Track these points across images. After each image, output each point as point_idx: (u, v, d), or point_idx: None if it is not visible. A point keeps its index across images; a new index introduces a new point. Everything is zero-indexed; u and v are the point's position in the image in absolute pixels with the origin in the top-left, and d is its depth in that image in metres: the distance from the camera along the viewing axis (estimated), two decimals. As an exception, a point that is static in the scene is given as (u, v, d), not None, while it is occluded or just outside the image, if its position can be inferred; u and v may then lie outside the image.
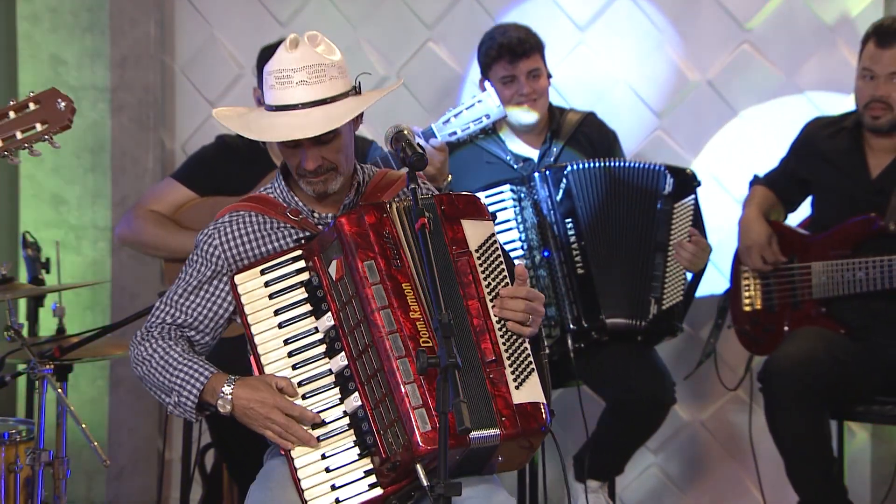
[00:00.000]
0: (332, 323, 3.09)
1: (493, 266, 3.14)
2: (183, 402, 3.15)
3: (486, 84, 4.47)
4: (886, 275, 4.46)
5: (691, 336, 5.28)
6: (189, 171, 4.74)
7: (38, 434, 3.70)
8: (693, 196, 4.62)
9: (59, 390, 3.71)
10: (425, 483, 2.85)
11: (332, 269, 3.08)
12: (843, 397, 4.53)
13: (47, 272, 4.52)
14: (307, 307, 3.13)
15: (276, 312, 3.14)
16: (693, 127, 5.32)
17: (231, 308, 3.24)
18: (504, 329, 3.09)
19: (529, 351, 3.11)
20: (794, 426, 4.44)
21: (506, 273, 3.15)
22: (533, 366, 3.10)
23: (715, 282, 5.18)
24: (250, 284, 3.16)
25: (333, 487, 3.03)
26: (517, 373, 3.07)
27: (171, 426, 5.18)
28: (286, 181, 3.28)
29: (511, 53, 4.64)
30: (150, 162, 5.37)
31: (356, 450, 3.04)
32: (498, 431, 2.99)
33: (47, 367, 3.71)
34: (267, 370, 3.12)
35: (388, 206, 3.12)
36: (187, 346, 3.24)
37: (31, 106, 3.13)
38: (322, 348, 3.10)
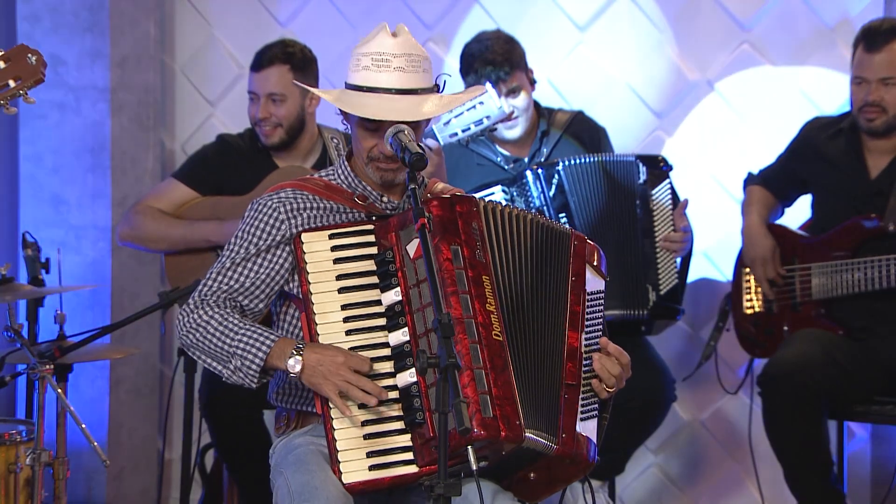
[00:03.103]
0: (399, 298, 3.08)
1: (594, 317, 3.21)
2: (246, 367, 3.12)
3: (487, 85, 4.48)
4: (885, 275, 4.46)
5: (691, 336, 5.29)
6: (190, 170, 4.74)
7: (39, 434, 3.70)
8: (668, 180, 4.65)
9: (59, 390, 3.71)
10: (475, 466, 2.80)
11: (412, 247, 3.09)
12: (842, 399, 4.52)
13: (47, 272, 4.51)
14: (373, 279, 3.12)
15: (339, 278, 3.13)
16: (693, 127, 5.32)
17: (287, 275, 3.22)
18: (589, 368, 3.15)
19: (597, 401, 3.18)
20: (792, 432, 4.44)
21: (601, 329, 3.22)
22: (596, 412, 3.17)
23: (717, 283, 5.19)
24: (317, 245, 3.15)
25: (368, 455, 3.03)
26: (584, 408, 3.13)
27: (171, 426, 5.18)
28: (350, 167, 3.28)
29: (488, 79, 4.64)
30: (150, 162, 5.37)
31: (400, 423, 3.04)
32: (554, 445, 3.04)
33: (47, 367, 3.70)
34: (320, 330, 3.11)
35: (478, 201, 3.16)
36: (241, 314, 3.22)
37: (2, 64, 3.12)
38: (382, 321, 3.10)
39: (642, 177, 4.63)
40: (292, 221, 3.20)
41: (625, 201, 4.61)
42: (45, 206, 5.34)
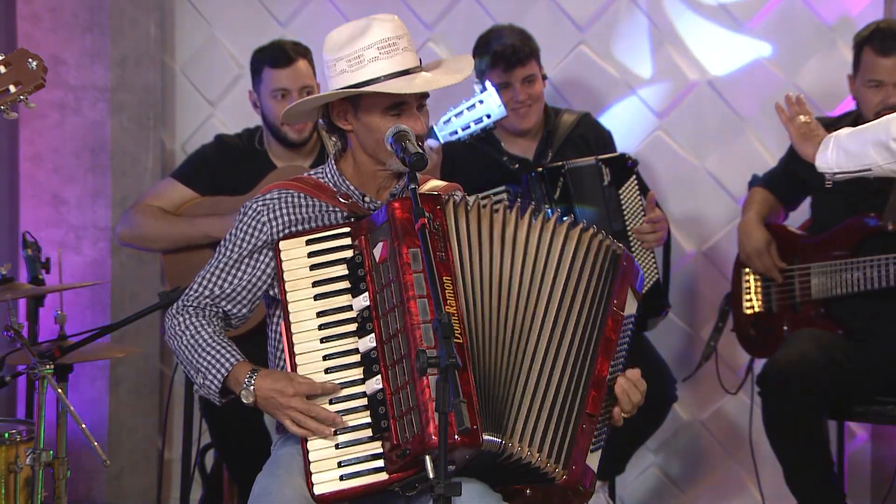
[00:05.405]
0: (368, 304, 3.08)
1: (623, 341, 3.20)
2: (207, 385, 3.16)
3: (487, 83, 4.46)
4: (885, 274, 4.46)
5: (691, 336, 5.29)
6: (189, 170, 4.74)
7: (39, 434, 3.70)
8: (633, 177, 4.64)
9: (60, 390, 3.71)
10: (431, 476, 2.83)
11: (377, 251, 3.08)
12: (842, 399, 4.52)
13: (47, 272, 4.52)
14: (345, 284, 3.11)
15: (315, 284, 3.12)
16: (693, 127, 5.32)
17: (270, 280, 3.23)
18: (608, 405, 3.15)
19: (605, 432, 3.17)
20: (792, 432, 4.44)
21: (626, 353, 3.20)
22: (603, 444, 3.16)
23: (717, 283, 5.19)
24: (294, 252, 3.15)
25: (340, 464, 3.03)
26: (595, 439, 3.12)
27: (171, 426, 5.18)
28: (337, 166, 3.29)
29: (506, 62, 4.63)
30: (150, 162, 5.37)
31: (369, 431, 3.03)
32: (563, 475, 3.04)
33: (47, 367, 3.70)
34: (296, 339, 3.10)
35: (443, 199, 3.14)
36: (220, 324, 3.24)
37: (2, 69, 3.10)
38: (353, 327, 3.09)
39: (606, 179, 4.62)
40: (274, 224, 3.21)
41: (596, 205, 4.60)
42: (45, 206, 5.34)
